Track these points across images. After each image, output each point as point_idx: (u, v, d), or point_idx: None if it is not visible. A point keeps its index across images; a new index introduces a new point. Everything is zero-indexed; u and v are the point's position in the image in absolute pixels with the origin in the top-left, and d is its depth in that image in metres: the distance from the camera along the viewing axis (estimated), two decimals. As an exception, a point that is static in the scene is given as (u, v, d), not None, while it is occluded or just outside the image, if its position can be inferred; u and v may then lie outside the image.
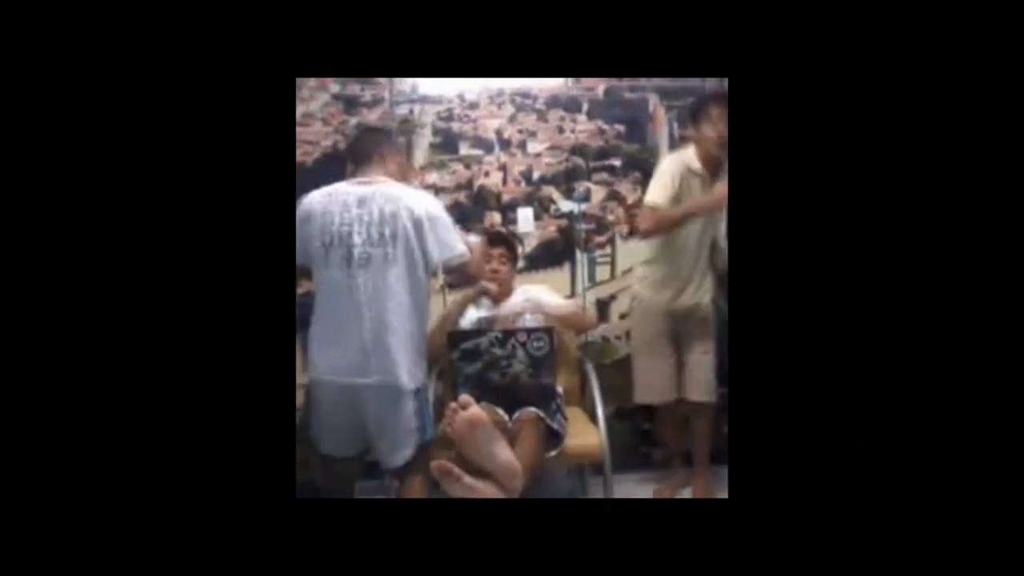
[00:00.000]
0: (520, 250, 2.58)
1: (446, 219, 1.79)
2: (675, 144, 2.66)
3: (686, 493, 2.50)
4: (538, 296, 2.39)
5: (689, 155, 2.26)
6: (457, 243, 1.78)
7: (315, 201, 1.77)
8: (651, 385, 2.43)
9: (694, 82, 2.74)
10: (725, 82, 2.50)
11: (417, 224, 1.71)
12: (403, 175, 1.89)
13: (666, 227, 2.23)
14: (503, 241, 2.44)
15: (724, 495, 2.21)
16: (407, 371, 1.73)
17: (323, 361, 1.73)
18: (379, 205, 1.72)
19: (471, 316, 2.34)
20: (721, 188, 2.14)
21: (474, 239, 2.06)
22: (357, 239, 1.70)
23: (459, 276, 1.94)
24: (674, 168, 2.23)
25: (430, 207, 1.77)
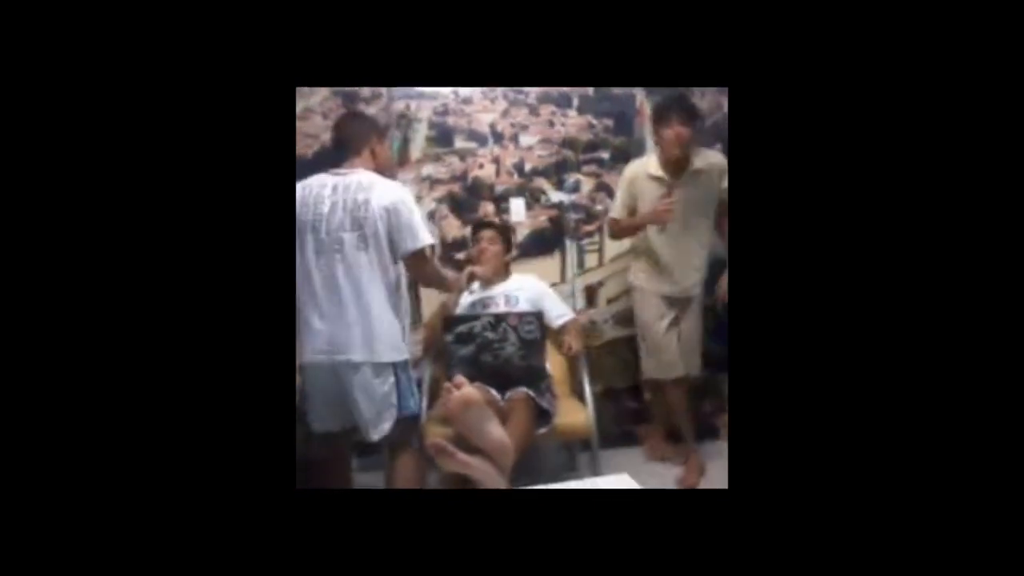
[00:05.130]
0: (513, 238, 2.68)
1: (415, 209, 1.87)
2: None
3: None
4: (543, 297, 2.51)
5: (647, 161, 2.49)
6: (424, 233, 1.86)
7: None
8: (659, 360, 2.53)
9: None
10: (687, 90, 2.70)
11: (387, 212, 1.80)
12: (382, 168, 1.97)
13: (627, 234, 2.56)
14: (491, 226, 2.58)
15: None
16: (384, 348, 1.82)
17: (303, 345, 1.83)
18: (352, 193, 1.81)
19: (465, 300, 2.45)
20: (665, 201, 2.32)
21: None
22: (330, 224, 1.80)
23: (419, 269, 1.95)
24: (628, 176, 2.51)
25: (401, 197, 1.84)
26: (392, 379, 1.85)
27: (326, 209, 1.81)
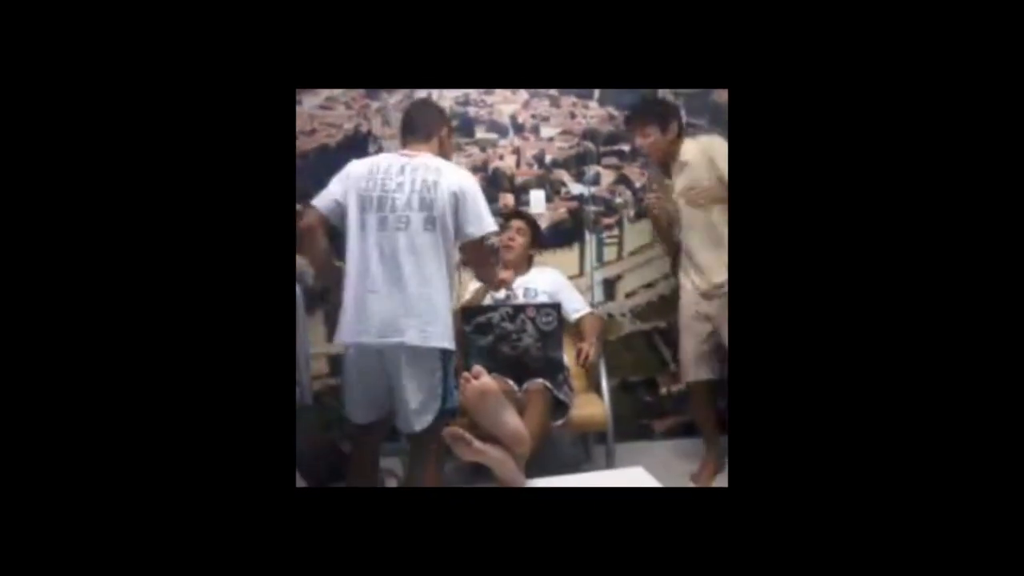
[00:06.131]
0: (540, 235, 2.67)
1: (481, 195, 1.88)
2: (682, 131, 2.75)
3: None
4: (561, 290, 2.52)
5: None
6: (489, 220, 1.87)
7: (358, 168, 1.87)
8: (692, 362, 2.49)
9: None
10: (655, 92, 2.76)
11: (455, 196, 1.81)
12: (445, 153, 1.98)
13: (667, 242, 2.64)
14: (523, 217, 2.60)
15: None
16: (438, 332, 1.81)
17: (354, 324, 1.80)
18: (421, 174, 1.82)
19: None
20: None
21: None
22: (398, 203, 1.80)
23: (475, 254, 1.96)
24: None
25: (469, 182, 1.87)
26: (440, 371, 1.83)
27: (394, 186, 1.81)
